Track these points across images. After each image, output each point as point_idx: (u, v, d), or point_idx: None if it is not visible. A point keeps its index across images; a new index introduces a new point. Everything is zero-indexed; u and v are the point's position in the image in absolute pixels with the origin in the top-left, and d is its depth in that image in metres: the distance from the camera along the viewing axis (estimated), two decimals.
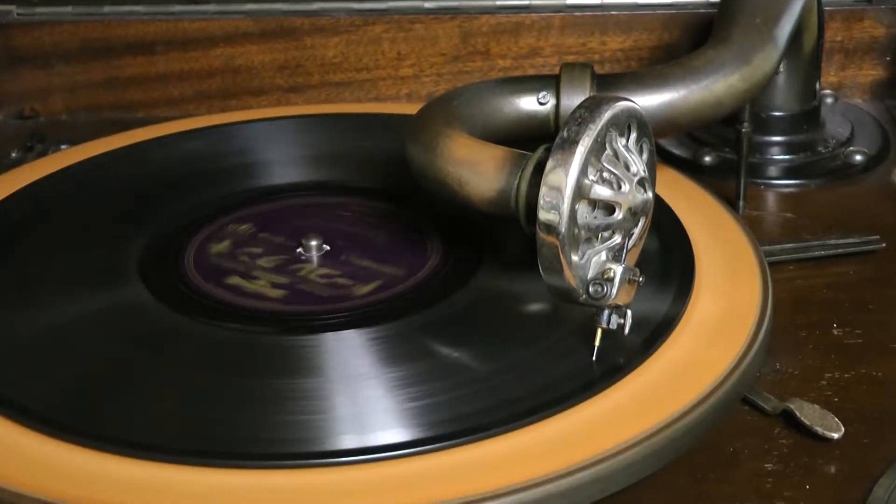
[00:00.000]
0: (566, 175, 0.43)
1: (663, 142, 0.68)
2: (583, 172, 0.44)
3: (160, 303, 0.51)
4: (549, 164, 0.44)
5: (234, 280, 0.53)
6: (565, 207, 0.43)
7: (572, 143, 0.43)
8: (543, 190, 0.43)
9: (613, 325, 0.45)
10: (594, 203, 0.45)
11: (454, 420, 0.43)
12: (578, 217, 0.44)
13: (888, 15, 0.74)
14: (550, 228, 0.43)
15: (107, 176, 0.62)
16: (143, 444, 0.42)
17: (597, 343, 0.45)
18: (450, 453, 0.42)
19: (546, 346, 0.47)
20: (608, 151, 0.45)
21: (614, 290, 0.44)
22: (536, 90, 0.56)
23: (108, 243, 0.56)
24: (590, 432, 0.42)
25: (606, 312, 0.45)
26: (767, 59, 0.57)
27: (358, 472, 0.41)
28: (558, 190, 0.43)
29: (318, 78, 0.75)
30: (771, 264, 0.54)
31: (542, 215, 0.43)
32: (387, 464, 0.41)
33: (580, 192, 0.44)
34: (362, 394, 0.45)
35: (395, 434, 0.42)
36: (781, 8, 0.59)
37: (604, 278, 0.45)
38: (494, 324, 0.49)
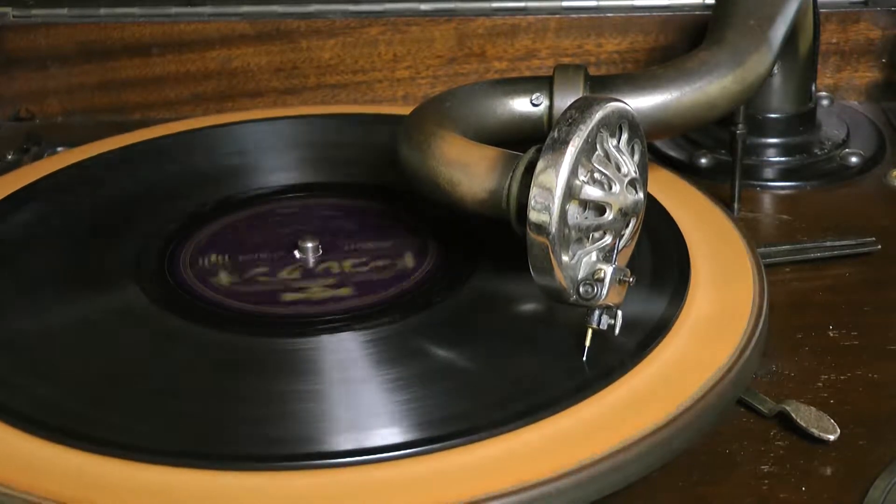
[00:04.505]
0: (556, 176, 0.43)
1: (659, 143, 0.68)
2: (573, 173, 0.44)
3: (154, 304, 0.51)
4: (540, 164, 0.43)
5: (293, 296, 0.52)
6: (555, 208, 0.43)
7: (562, 143, 0.43)
8: (534, 191, 0.43)
9: (604, 326, 0.45)
10: (585, 204, 0.45)
11: (449, 421, 0.43)
12: (569, 217, 0.44)
13: (884, 17, 0.74)
14: (541, 229, 0.43)
15: (103, 178, 0.62)
16: (137, 446, 0.42)
17: (587, 343, 0.45)
18: (445, 455, 0.41)
19: (542, 348, 0.47)
20: (599, 152, 0.45)
21: (604, 291, 0.44)
22: (530, 91, 0.56)
23: (104, 245, 0.56)
24: (585, 434, 0.42)
25: (597, 313, 0.45)
26: (761, 61, 0.57)
27: (353, 474, 0.41)
28: (549, 190, 0.43)
29: (314, 80, 0.75)
30: (767, 266, 0.54)
31: (533, 216, 0.43)
32: (381, 466, 0.41)
33: (571, 193, 0.44)
34: (358, 395, 0.45)
35: (389, 435, 0.42)
36: (776, 10, 0.59)
37: (594, 279, 0.45)
38: (490, 325, 0.49)
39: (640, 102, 0.55)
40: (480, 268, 0.52)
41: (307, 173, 0.63)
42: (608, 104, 0.45)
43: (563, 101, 0.55)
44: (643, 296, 0.49)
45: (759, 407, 0.47)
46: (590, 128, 0.44)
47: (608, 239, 0.46)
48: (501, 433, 0.42)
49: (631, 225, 0.47)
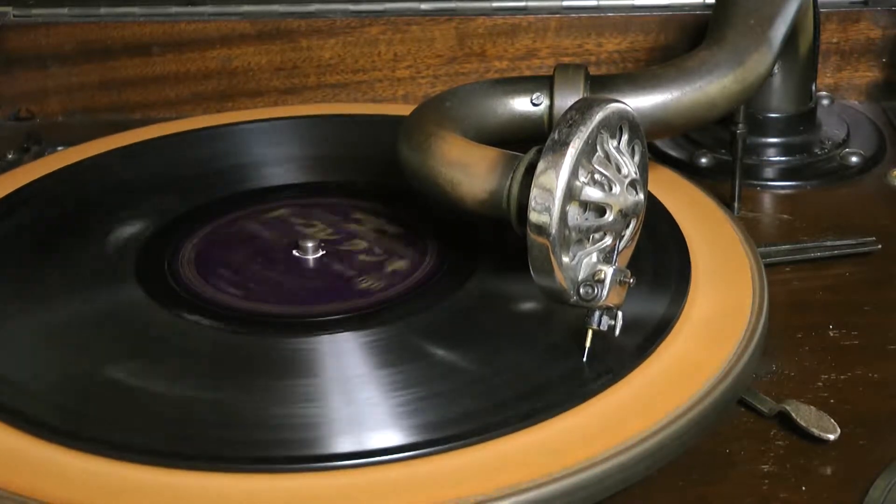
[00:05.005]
0: (557, 177, 0.43)
1: (659, 143, 0.68)
2: (573, 174, 0.44)
3: (154, 303, 0.51)
4: (540, 165, 0.44)
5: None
6: (556, 209, 0.43)
7: (563, 144, 0.43)
8: (534, 192, 0.43)
9: (604, 327, 0.45)
10: (585, 205, 0.45)
11: (449, 423, 0.43)
12: (569, 218, 0.44)
13: (884, 16, 0.74)
14: (541, 230, 0.43)
15: (103, 177, 0.62)
16: (136, 447, 0.42)
17: (587, 344, 0.45)
18: (444, 457, 0.41)
19: (543, 349, 0.47)
20: (599, 153, 0.45)
21: (605, 292, 0.44)
22: (530, 91, 0.56)
23: (104, 244, 0.56)
24: (586, 435, 0.42)
25: (597, 314, 0.45)
26: (761, 60, 0.57)
27: (353, 475, 0.41)
28: (549, 191, 0.43)
29: (314, 79, 0.75)
30: (767, 266, 0.54)
31: (533, 217, 0.43)
32: (381, 467, 0.41)
33: (571, 194, 0.44)
34: (358, 396, 0.45)
35: (389, 437, 0.42)
36: (776, 10, 0.59)
37: (594, 280, 0.45)
38: (490, 326, 0.49)
39: (641, 102, 0.55)
40: (480, 268, 0.52)
41: (307, 173, 0.63)
42: (608, 105, 0.45)
43: (564, 100, 0.55)
44: (643, 296, 0.49)
45: (759, 407, 0.47)
46: (590, 129, 0.44)
47: (608, 240, 0.46)
48: (502, 435, 0.42)
49: (631, 226, 0.47)
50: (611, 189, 0.45)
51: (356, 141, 0.66)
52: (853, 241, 0.58)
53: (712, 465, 0.44)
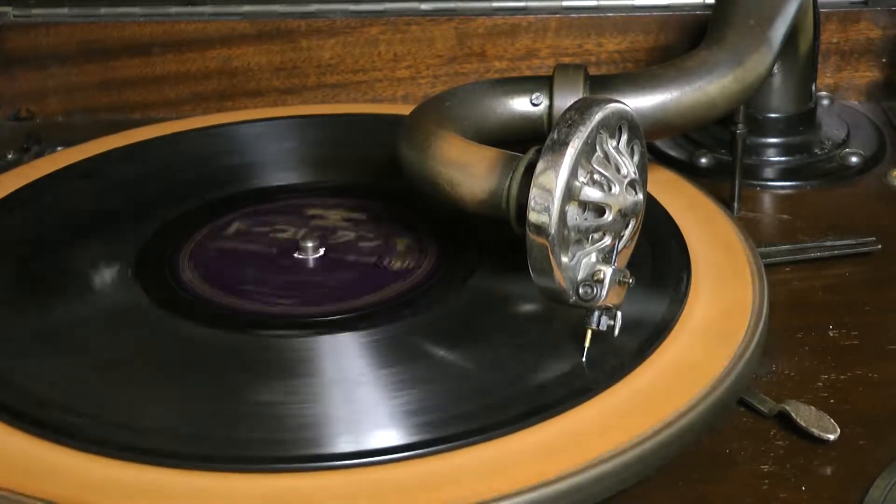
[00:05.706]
0: (556, 177, 0.43)
1: (659, 143, 0.68)
2: (573, 174, 0.44)
3: (154, 304, 0.51)
4: (539, 165, 0.44)
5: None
6: (555, 209, 0.43)
7: (562, 144, 0.43)
8: (533, 191, 0.43)
9: (603, 327, 0.45)
10: (584, 205, 0.45)
11: (448, 423, 0.43)
12: (568, 219, 0.44)
13: (884, 16, 0.74)
14: (540, 230, 0.43)
15: (103, 177, 0.62)
16: (136, 447, 0.42)
17: (587, 344, 0.45)
18: (444, 457, 0.41)
19: (541, 349, 0.47)
20: (598, 153, 0.45)
21: (604, 292, 0.44)
22: (530, 91, 0.56)
23: (104, 244, 0.56)
24: (586, 435, 0.42)
25: (596, 314, 0.45)
26: (761, 60, 0.57)
27: (352, 475, 0.41)
28: (548, 191, 0.43)
29: (314, 80, 0.76)
30: (767, 266, 0.54)
31: (532, 217, 0.43)
32: (380, 467, 0.41)
33: (570, 194, 0.44)
34: (358, 396, 0.45)
35: (389, 437, 0.42)
36: (776, 10, 0.59)
37: (593, 280, 0.45)
38: (490, 326, 0.49)
39: (641, 102, 0.55)
40: (480, 268, 0.52)
41: (307, 173, 0.63)
42: (608, 105, 0.45)
43: (563, 100, 0.55)
44: (644, 296, 0.49)
45: (759, 407, 0.47)
46: (589, 129, 0.44)
47: (608, 240, 0.46)
48: (501, 435, 0.42)
49: (630, 226, 0.47)
50: (610, 189, 0.45)
51: (356, 141, 0.66)
52: (853, 241, 0.58)
53: (712, 465, 0.44)
